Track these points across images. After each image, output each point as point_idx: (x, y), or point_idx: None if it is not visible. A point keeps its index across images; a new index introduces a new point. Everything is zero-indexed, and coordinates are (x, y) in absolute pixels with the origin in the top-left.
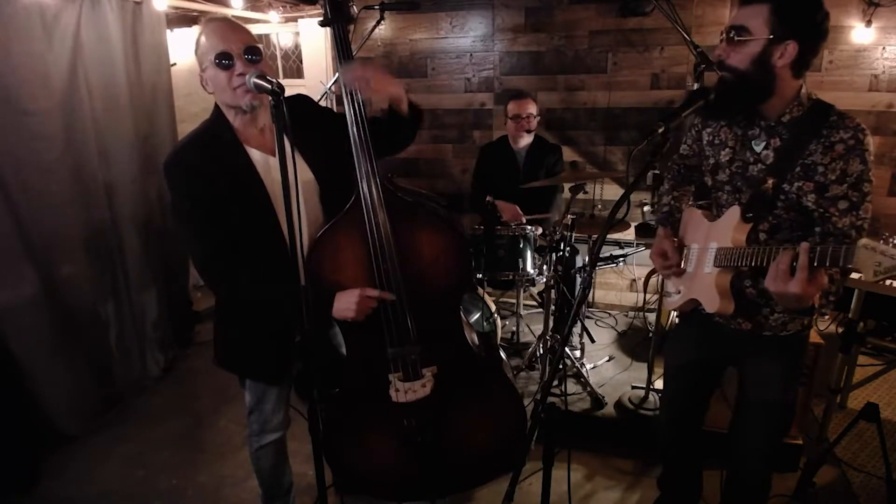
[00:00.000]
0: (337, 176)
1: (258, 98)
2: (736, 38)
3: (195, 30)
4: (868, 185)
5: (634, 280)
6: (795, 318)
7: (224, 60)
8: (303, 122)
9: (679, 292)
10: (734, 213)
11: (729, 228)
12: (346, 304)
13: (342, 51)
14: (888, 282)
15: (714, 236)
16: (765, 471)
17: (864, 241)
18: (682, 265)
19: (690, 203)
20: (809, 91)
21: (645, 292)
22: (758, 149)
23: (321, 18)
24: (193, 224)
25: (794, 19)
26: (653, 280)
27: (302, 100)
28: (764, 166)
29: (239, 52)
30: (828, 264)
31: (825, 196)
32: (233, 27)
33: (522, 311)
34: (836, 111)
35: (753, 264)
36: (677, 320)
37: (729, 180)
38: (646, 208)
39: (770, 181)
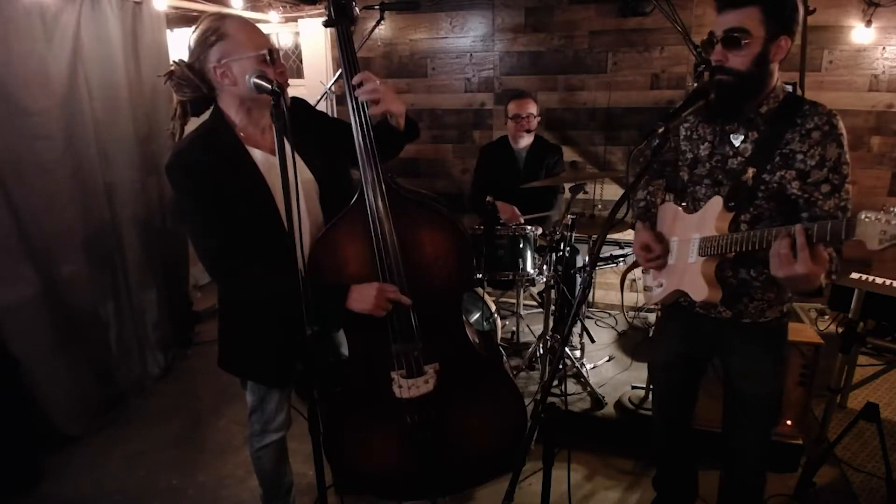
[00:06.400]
0: (335, 178)
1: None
2: (742, 41)
3: (206, 23)
4: (846, 167)
5: (634, 280)
6: (773, 305)
7: (272, 56)
8: (300, 125)
9: (661, 285)
10: (716, 202)
11: (711, 218)
12: (363, 296)
13: (347, 53)
14: (888, 282)
15: (695, 228)
16: (760, 464)
17: (864, 212)
18: (665, 255)
19: (667, 199)
20: (782, 83)
21: (622, 290)
22: (736, 142)
23: (325, 19)
24: (199, 222)
25: (783, 16)
26: (637, 278)
27: (298, 103)
28: (743, 159)
29: (273, 48)
30: (828, 239)
31: (808, 182)
32: (256, 27)
33: (522, 311)
34: (808, 101)
35: (740, 249)
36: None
37: (709, 174)
38: None
39: (750, 171)
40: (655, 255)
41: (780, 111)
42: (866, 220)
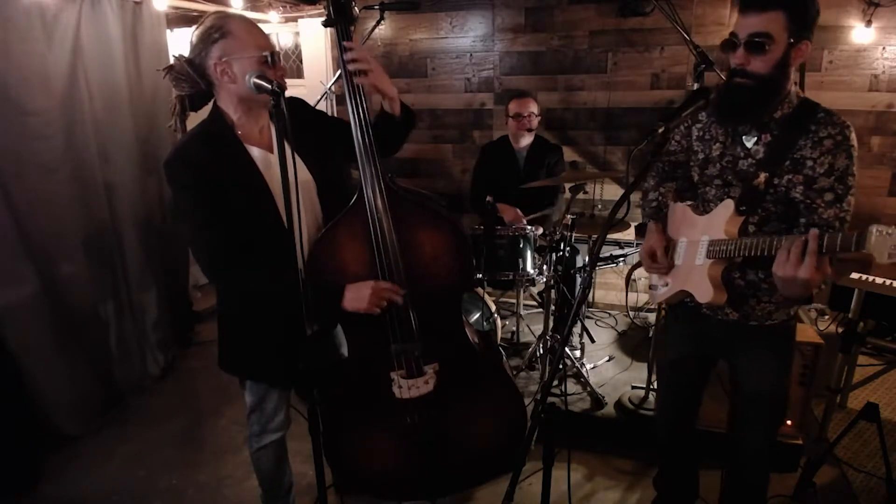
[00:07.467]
0: (333, 177)
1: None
2: (766, 47)
3: (211, 20)
4: (852, 178)
5: (634, 280)
6: (780, 307)
7: (273, 58)
8: (298, 125)
9: (666, 285)
10: (728, 206)
11: (721, 221)
12: (358, 294)
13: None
14: (888, 282)
15: (705, 230)
16: (764, 464)
17: (875, 226)
18: (671, 260)
19: (677, 200)
20: (796, 89)
21: (627, 289)
22: (749, 144)
23: (324, 19)
24: (197, 220)
25: (806, 21)
26: (637, 278)
27: (296, 103)
28: (754, 161)
29: (274, 50)
30: (838, 250)
31: (812, 188)
32: (260, 29)
33: (522, 311)
34: (822, 108)
35: (748, 254)
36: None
37: (719, 174)
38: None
39: (762, 175)
40: (659, 266)
41: (794, 116)
42: (877, 234)
